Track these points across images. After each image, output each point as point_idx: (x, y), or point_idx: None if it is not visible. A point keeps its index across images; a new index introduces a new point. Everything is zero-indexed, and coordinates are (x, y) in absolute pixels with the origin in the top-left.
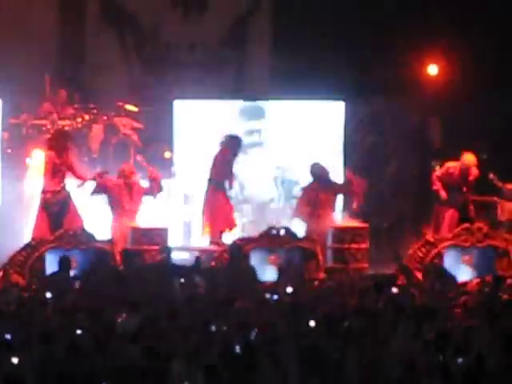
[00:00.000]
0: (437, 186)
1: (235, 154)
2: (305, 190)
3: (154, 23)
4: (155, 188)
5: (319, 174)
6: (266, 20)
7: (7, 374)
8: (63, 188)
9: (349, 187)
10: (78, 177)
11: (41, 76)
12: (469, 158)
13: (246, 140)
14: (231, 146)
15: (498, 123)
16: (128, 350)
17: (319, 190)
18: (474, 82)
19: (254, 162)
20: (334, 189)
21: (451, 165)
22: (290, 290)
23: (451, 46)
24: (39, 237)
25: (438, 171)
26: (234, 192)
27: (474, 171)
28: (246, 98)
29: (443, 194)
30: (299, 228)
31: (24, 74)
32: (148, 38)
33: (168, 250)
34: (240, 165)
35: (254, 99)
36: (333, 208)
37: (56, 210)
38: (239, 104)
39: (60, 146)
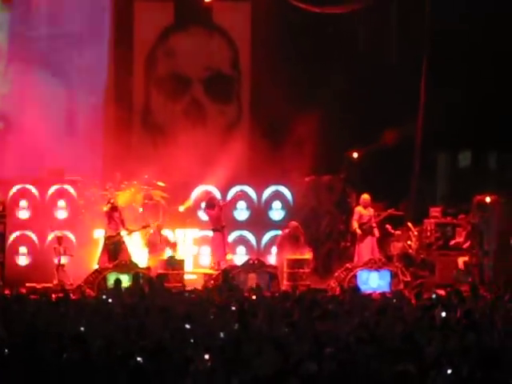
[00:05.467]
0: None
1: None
2: None
3: (174, 131)
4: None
5: None
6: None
7: None
8: (117, 234)
9: None
10: (126, 229)
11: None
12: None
13: None
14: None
15: None
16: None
17: None
18: None
19: None
20: None
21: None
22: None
23: None
24: (103, 265)
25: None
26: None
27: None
28: None
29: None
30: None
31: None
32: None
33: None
34: None
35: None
36: None
37: (112, 248)
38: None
39: (114, 208)
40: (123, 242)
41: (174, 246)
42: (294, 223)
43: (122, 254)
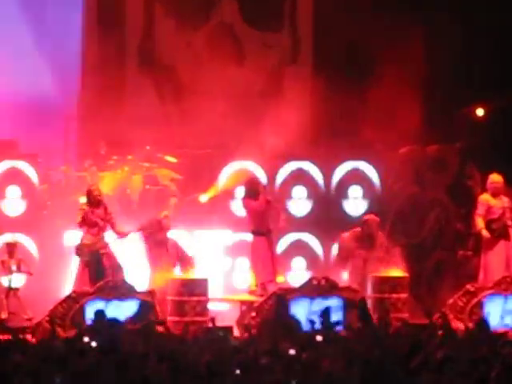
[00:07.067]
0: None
1: (266, 200)
2: None
3: (191, 75)
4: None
5: None
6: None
7: None
8: (99, 240)
9: None
10: (117, 232)
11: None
12: None
13: None
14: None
15: None
16: None
17: None
18: None
19: None
20: None
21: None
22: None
23: None
24: (79, 289)
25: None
26: None
27: None
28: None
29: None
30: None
31: None
32: (185, 88)
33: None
34: None
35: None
36: None
37: (94, 262)
38: None
39: (95, 200)
40: (111, 253)
41: (191, 256)
42: (371, 218)
43: (109, 270)
